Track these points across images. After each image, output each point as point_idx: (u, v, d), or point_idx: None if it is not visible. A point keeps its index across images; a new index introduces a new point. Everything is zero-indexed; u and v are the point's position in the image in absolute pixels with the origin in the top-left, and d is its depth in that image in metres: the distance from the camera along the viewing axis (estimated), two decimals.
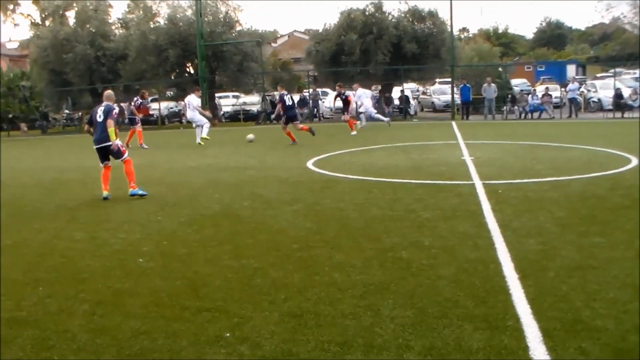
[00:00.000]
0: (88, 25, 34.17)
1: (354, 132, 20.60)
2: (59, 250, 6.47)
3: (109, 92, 10.21)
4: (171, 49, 30.64)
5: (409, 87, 36.71)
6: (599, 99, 29.94)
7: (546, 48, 71.04)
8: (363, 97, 22.96)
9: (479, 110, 29.76)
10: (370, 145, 16.52)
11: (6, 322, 4.42)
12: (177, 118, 35.24)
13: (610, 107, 27.55)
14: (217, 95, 35.05)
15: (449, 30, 31.19)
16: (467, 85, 29.71)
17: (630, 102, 26.66)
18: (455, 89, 30.48)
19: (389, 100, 30.96)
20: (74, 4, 35.89)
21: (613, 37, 60.36)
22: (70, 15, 36.87)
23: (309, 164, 12.73)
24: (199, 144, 18.81)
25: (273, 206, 8.40)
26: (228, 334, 4.02)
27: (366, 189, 9.41)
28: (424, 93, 40.16)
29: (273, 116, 18.05)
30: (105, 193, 9.50)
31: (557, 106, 28.56)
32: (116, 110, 9.73)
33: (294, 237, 6.58)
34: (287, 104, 17.51)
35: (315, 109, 32.64)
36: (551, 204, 7.76)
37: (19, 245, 6.80)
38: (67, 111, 36.82)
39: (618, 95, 27.34)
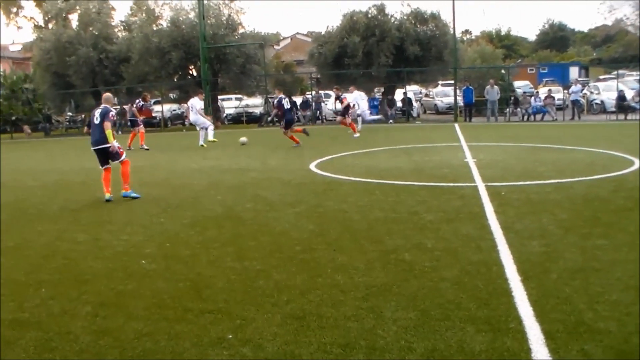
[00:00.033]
0: (91, 28, 34.24)
1: (357, 135, 20.58)
2: (61, 252, 6.48)
3: (107, 95, 10.25)
4: (174, 52, 30.69)
5: (412, 90, 36.69)
6: (601, 101, 29.90)
7: (549, 50, 70.99)
8: (359, 99, 23.05)
9: (482, 113, 29.76)
10: (373, 148, 16.52)
11: (9, 324, 4.43)
12: (179, 120, 35.30)
13: (613, 109, 27.50)
14: (219, 97, 35.07)
15: (452, 32, 31.19)
16: (470, 87, 29.73)
17: (633, 104, 26.60)
18: (458, 91, 30.50)
19: (392, 103, 30.95)
20: (77, 7, 35.92)
21: (616, 39, 60.26)
22: (73, 18, 36.90)
23: (312, 166, 12.73)
24: (202, 145, 18.85)
25: (276, 208, 8.40)
26: (230, 336, 4.03)
27: (369, 191, 9.41)
28: (426, 95, 40.17)
29: (269, 118, 18.06)
30: (107, 195, 9.53)
31: (559, 108, 28.52)
32: (113, 112, 9.76)
33: (296, 239, 6.58)
34: (285, 107, 17.51)
35: (318, 112, 32.65)
36: (554, 206, 7.75)
37: (22, 246, 6.82)
38: (70, 113, 36.90)
39: (621, 97, 27.30)
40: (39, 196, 10.59)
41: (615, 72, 33.96)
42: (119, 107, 33.25)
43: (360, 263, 5.53)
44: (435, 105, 36.43)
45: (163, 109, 33.57)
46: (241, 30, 33.70)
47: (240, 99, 37.17)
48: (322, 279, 5.12)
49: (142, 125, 20.39)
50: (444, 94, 36.01)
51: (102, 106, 9.77)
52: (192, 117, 19.74)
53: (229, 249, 6.26)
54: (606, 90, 30.39)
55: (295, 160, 14.15)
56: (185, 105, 28.87)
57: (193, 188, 10.59)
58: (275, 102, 19.76)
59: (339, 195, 9.22)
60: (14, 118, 34.40)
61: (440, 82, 39.13)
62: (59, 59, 32.87)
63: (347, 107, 21.23)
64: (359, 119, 23.27)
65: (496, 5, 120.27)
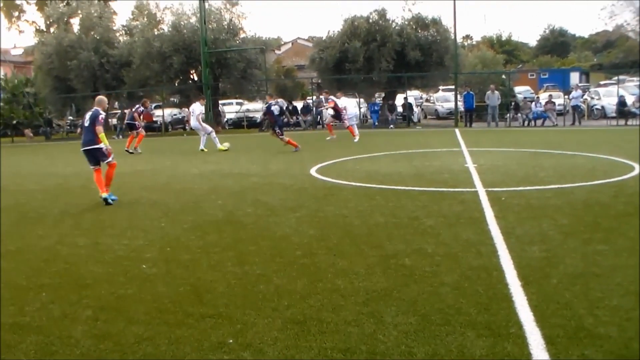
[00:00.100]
0: (92, 32, 34.28)
1: (356, 139, 20.66)
2: (62, 256, 6.48)
3: (99, 98, 10.32)
4: (175, 56, 30.73)
5: (413, 95, 36.74)
6: (602, 107, 29.93)
7: (549, 55, 71.13)
8: (348, 105, 23.19)
9: (483, 118, 29.77)
10: (373, 153, 16.53)
11: (9, 327, 4.43)
12: (180, 125, 35.33)
13: (614, 114, 27.52)
14: (220, 102, 35.13)
15: (453, 37, 31.22)
16: (471, 92, 29.76)
17: (633, 110, 26.60)
18: (458, 96, 30.52)
19: (392, 108, 30.99)
20: (79, 11, 35.99)
21: (616, 45, 60.33)
22: (75, 22, 36.95)
23: (312, 171, 12.74)
24: (202, 150, 18.87)
25: (276, 213, 8.41)
26: (231, 340, 4.03)
27: (369, 196, 9.41)
28: (427, 100, 40.20)
29: (263, 127, 18.10)
30: (104, 195, 9.58)
31: (560, 113, 28.54)
32: (102, 115, 9.83)
33: (297, 243, 6.59)
34: (274, 113, 17.55)
35: (319, 117, 32.71)
36: (554, 211, 7.75)
37: (23, 250, 6.83)
38: (70, 117, 36.94)
39: (621, 102, 27.33)
40: (40, 200, 10.60)
41: (616, 78, 34.02)
42: (119, 111, 33.39)
43: (361, 268, 5.54)
44: (436, 110, 36.48)
45: (164, 114, 33.61)
46: (242, 35, 33.75)
47: (241, 104, 37.21)
48: (323, 284, 5.12)
49: (141, 129, 20.51)
50: (445, 99, 36.05)
51: (93, 109, 9.89)
52: (193, 122, 19.82)
53: (230, 254, 6.26)
54: (607, 96, 30.44)
55: (296, 165, 14.16)
56: (187, 109, 28.96)
57: (194, 192, 10.60)
58: (264, 108, 19.87)
59: (339, 200, 9.23)
60: (15, 122, 34.43)
61: (441, 87, 39.21)
62: (60, 63, 32.92)
63: (338, 111, 21.28)
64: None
65: (497, 11, 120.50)
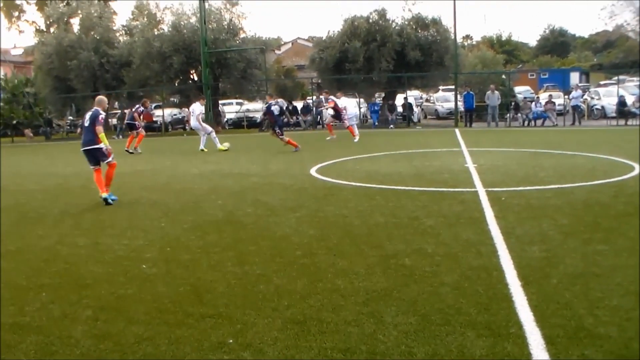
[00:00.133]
0: (92, 32, 34.29)
1: (356, 139, 20.68)
2: (62, 256, 6.49)
3: (99, 98, 10.33)
4: (175, 56, 30.73)
5: (413, 95, 36.74)
6: (602, 107, 29.93)
7: (550, 55, 71.13)
8: (348, 105, 23.24)
9: (483, 118, 29.77)
10: (373, 153, 16.53)
11: (9, 327, 4.43)
12: (180, 125, 35.34)
13: (614, 114, 27.53)
14: (220, 102, 35.13)
15: (453, 37, 31.22)
16: (471, 92, 29.76)
17: (633, 110, 26.61)
18: (458, 96, 30.52)
19: (392, 108, 30.99)
20: (79, 11, 35.99)
21: (616, 45, 60.35)
22: (75, 22, 36.94)
23: (312, 171, 12.74)
24: (202, 150, 18.88)
25: (276, 213, 8.41)
26: (231, 340, 4.03)
27: (369, 196, 9.41)
28: (427, 100, 40.21)
29: (264, 127, 18.19)
30: (104, 195, 9.59)
31: (560, 113, 28.54)
32: (102, 115, 9.83)
33: (297, 243, 6.59)
34: (274, 113, 17.58)
35: (319, 117, 32.71)
36: (554, 211, 7.75)
37: (23, 250, 6.83)
38: (70, 117, 36.95)
39: (621, 102, 27.33)
40: (40, 200, 10.60)
41: (616, 78, 34.03)
42: (119, 111, 33.39)
43: (361, 268, 5.54)
44: (436, 110, 36.48)
45: (164, 114, 33.61)
46: (242, 35, 33.76)
47: (241, 104, 37.21)
48: (323, 284, 5.12)
49: (141, 129, 20.54)
50: (445, 99, 36.06)
51: (93, 109, 9.89)
52: (193, 122, 19.84)
53: (230, 254, 6.26)
54: (607, 96, 30.44)
55: (296, 165, 14.16)
56: (187, 109, 28.96)
57: (194, 192, 10.60)
58: (264, 108, 19.93)
59: (339, 200, 9.23)
60: (15, 122, 34.43)
61: (441, 87, 39.21)
62: (60, 63, 32.93)
63: (338, 111, 21.31)
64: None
65: (497, 11, 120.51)
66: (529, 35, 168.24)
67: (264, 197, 9.71)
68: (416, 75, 31.13)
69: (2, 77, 37.49)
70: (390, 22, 30.94)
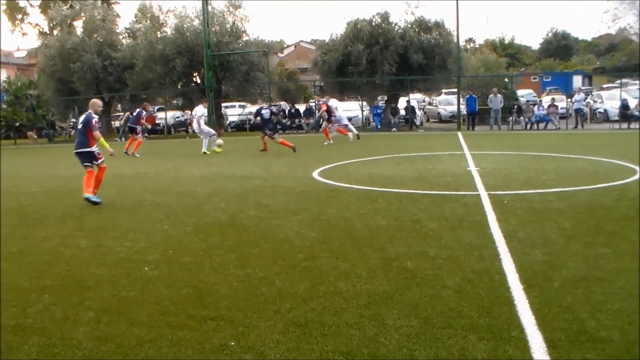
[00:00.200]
0: (96, 35, 34.40)
1: (350, 136, 21.02)
2: (64, 258, 6.49)
3: (93, 101, 10.33)
4: (178, 59, 30.81)
5: (415, 98, 36.79)
6: (605, 110, 29.92)
7: (552, 59, 71.07)
8: (338, 107, 23.44)
9: (485, 121, 29.79)
10: (376, 156, 16.53)
11: (12, 329, 4.44)
12: (183, 127, 35.40)
13: (617, 118, 27.53)
14: (223, 105, 35.17)
15: (455, 40, 31.25)
16: (473, 95, 29.77)
17: (636, 113, 26.61)
18: (461, 99, 30.52)
19: (395, 111, 31.01)
20: (82, 14, 36.09)
21: (619, 48, 60.32)
22: (78, 25, 37.06)
23: (315, 174, 12.75)
24: (204, 153, 18.93)
25: (278, 215, 8.41)
26: (233, 343, 4.03)
27: (372, 199, 9.42)
28: (430, 103, 40.23)
29: (262, 133, 18.51)
30: (87, 195, 9.68)
31: (563, 117, 28.55)
32: (96, 119, 9.84)
33: (299, 246, 6.59)
34: (264, 117, 17.91)
35: (322, 119, 32.72)
36: (557, 214, 7.74)
37: (25, 252, 6.84)
38: (73, 120, 36.92)
39: (624, 106, 27.33)
40: (42, 202, 10.62)
41: (619, 81, 34.05)
42: (122, 113, 33.46)
43: (363, 271, 5.53)
44: (439, 113, 36.50)
45: (167, 116, 33.67)
46: (245, 38, 33.84)
47: (243, 107, 37.28)
48: (325, 287, 5.12)
49: (141, 135, 20.65)
50: (447, 102, 36.08)
51: (86, 112, 9.93)
52: (195, 125, 19.92)
53: (232, 256, 6.27)
54: (609, 99, 30.42)
55: (298, 167, 14.17)
56: (189, 112, 29.03)
57: (196, 195, 10.61)
58: (254, 111, 20.34)
59: (341, 203, 9.23)
60: (17, 124, 34.51)
61: (443, 91, 39.22)
62: (63, 66, 33.04)
63: (330, 112, 21.58)
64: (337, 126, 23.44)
65: (500, 14, 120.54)
66: (532, 39, 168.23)
67: (266, 200, 9.72)
68: (419, 78, 31.17)
69: (5, 79, 37.59)
70: (393, 25, 31.00)
